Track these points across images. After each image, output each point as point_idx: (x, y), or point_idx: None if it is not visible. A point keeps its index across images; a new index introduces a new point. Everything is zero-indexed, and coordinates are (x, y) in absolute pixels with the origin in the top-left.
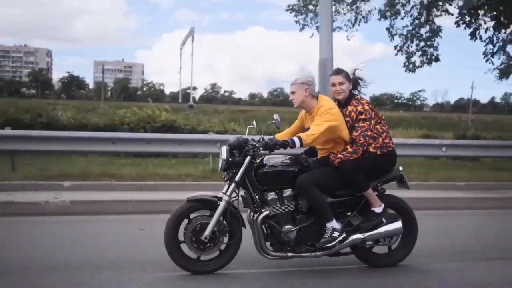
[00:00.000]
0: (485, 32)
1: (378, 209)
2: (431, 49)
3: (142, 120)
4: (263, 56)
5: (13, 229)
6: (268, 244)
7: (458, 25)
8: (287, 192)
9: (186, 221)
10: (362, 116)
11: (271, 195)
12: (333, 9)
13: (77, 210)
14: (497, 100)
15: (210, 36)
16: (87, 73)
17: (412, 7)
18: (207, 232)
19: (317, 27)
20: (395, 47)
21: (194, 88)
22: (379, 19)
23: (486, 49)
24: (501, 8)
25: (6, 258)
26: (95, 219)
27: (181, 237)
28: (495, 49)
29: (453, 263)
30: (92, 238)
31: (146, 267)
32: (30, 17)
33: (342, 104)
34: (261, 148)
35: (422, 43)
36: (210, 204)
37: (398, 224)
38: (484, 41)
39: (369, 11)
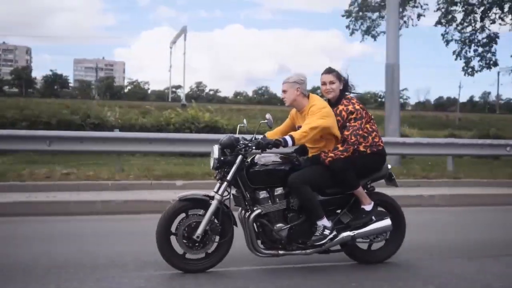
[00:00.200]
0: None
1: (368, 207)
2: (489, 55)
3: (186, 120)
4: (242, 54)
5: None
6: (259, 242)
7: None
8: (279, 190)
9: (183, 215)
10: (353, 116)
11: (263, 194)
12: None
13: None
14: (476, 99)
15: (189, 34)
16: (65, 71)
17: (468, 14)
18: (199, 231)
19: (365, 32)
20: (454, 52)
21: (180, 87)
22: (435, 25)
23: None
24: None
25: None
26: None
27: (174, 229)
28: None
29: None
30: None
31: (141, 265)
32: (3, 14)
33: (333, 104)
34: (254, 147)
35: (480, 49)
36: (202, 203)
37: (387, 222)
38: None
39: (409, 17)
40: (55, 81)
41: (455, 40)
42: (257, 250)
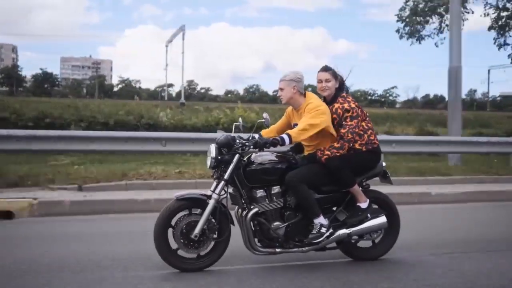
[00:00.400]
0: None
1: (364, 204)
2: None
3: (235, 120)
4: (228, 52)
5: None
6: (256, 240)
7: None
8: (276, 189)
9: (173, 223)
10: (349, 114)
11: (260, 193)
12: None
13: None
14: (462, 96)
15: (173, 32)
16: (51, 70)
17: None
18: (197, 230)
19: (418, 37)
20: (509, 55)
21: (171, 85)
22: (488, 30)
23: None
24: None
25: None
26: None
27: (172, 241)
28: None
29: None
30: None
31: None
32: None
33: (328, 102)
34: (251, 146)
35: None
36: (199, 203)
37: (382, 219)
38: None
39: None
40: (44, 80)
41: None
42: (254, 249)
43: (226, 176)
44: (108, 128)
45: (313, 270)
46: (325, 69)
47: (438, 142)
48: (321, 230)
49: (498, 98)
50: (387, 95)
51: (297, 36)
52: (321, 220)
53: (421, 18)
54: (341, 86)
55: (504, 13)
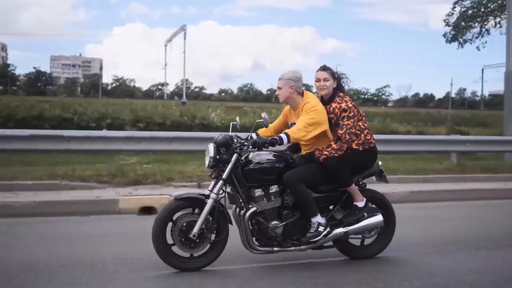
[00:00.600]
0: None
1: (361, 203)
2: None
3: None
4: (217, 51)
5: None
6: (254, 239)
7: None
8: (274, 188)
9: (170, 224)
10: (346, 113)
11: (258, 192)
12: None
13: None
14: (452, 95)
15: (162, 30)
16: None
17: None
18: (195, 230)
19: (462, 41)
20: None
21: (167, 84)
22: None
23: None
24: None
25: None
26: None
27: (170, 239)
28: None
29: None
30: None
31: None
32: None
33: (326, 101)
34: (250, 146)
35: None
36: (197, 202)
37: (379, 218)
38: None
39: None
40: (37, 79)
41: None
42: (252, 247)
43: (224, 175)
44: (165, 128)
45: (311, 268)
46: (324, 68)
47: (502, 142)
48: (319, 229)
49: (488, 97)
50: (380, 94)
51: (285, 35)
52: (319, 219)
53: (469, 23)
54: (339, 86)
55: None
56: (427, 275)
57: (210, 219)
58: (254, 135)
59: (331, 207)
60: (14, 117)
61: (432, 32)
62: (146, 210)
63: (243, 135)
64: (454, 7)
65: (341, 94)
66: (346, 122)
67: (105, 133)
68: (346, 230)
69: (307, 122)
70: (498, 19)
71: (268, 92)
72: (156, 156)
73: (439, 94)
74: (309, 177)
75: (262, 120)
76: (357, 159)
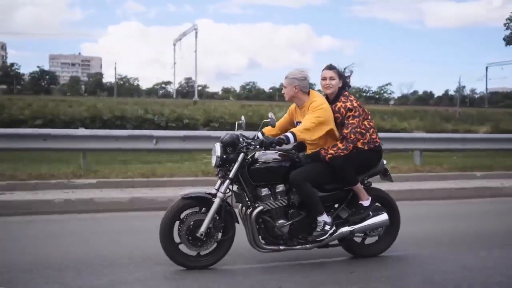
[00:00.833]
0: None
1: (366, 202)
2: None
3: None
4: (212, 49)
5: None
6: (260, 238)
7: None
8: (280, 187)
9: (177, 222)
10: (351, 113)
11: (265, 191)
12: None
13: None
14: (451, 92)
15: (157, 29)
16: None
17: None
18: (203, 228)
19: None
20: None
21: (169, 83)
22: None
23: None
24: None
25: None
26: None
27: (177, 238)
28: None
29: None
30: None
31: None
32: None
33: (331, 101)
34: (257, 146)
35: None
36: (204, 201)
37: (384, 216)
38: None
39: None
40: (42, 78)
41: None
42: (258, 246)
43: (231, 175)
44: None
45: (317, 267)
46: (330, 67)
47: None
48: (325, 228)
49: (487, 94)
50: (382, 91)
51: (281, 33)
52: (325, 218)
53: None
54: (344, 85)
55: None
56: (432, 272)
57: (217, 218)
58: (260, 135)
59: (336, 205)
60: (101, 118)
61: (428, 30)
62: None
63: (248, 134)
64: None
65: (346, 93)
66: (351, 122)
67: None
68: (351, 229)
69: (313, 121)
70: None
71: (271, 90)
72: None
73: (437, 92)
74: (315, 176)
75: (269, 120)
76: (363, 158)
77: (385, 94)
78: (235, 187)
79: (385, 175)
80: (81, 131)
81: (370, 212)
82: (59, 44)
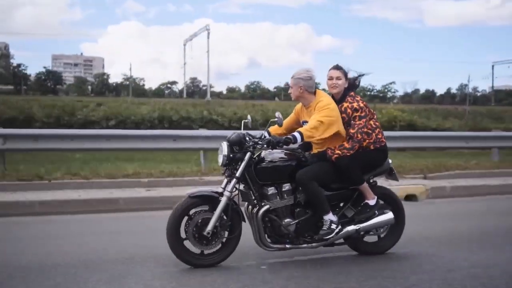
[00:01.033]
0: None
1: (372, 201)
2: None
3: (393, 119)
4: (212, 48)
5: None
6: (266, 236)
7: None
8: (286, 186)
9: (186, 218)
10: (358, 113)
11: (271, 190)
12: None
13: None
14: (453, 91)
15: (157, 28)
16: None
17: None
18: (209, 227)
19: None
20: None
21: (175, 83)
22: None
23: None
24: None
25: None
26: None
27: (183, 234)
28: None
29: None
30: None
31: (150, 261)
32: None
33: (337, 101)
34: (264, 145)
35: None
36: (211, 200)
37: (389, 215)
38: None
39: None
40: (48, 78)
41: None
42: (265, 245)
43: (237, 173)
44: None
45: (321, 265)
46: (337, 67)
47: None
48: (332, 227)
49: (490, 92)
50: (386, 90)
51: (280, 32)
52: (331, 216)
53: None
54: (350, 86)
55: None
56: (438, 270)
57: (224, 216)
58: (266, 134)
59: (341, 204)
60: (170, 119)
61: (428, 29)
62: (409, 198)
63: (254, 132)
64: None
65: (352, 93)
66: (358, 122)
67: None
68: (357, 228)
69: (320, 121)
70: None
71: (275, 89)
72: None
73: (439, 90)
74: (321, 176)
75: (276, 119)
76: (369, 158)
77: (389, 93)
78: (241, 186)
79: (391, 175)
80: (201, 132)
81: (376, 211)
82: (59, 44)
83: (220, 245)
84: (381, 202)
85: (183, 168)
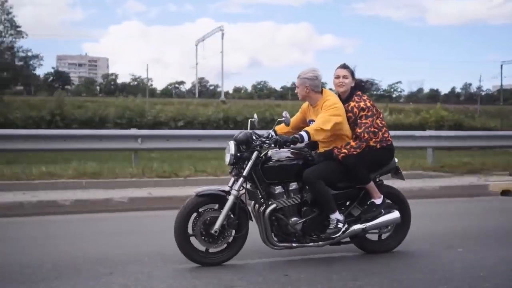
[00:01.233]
0: None
1: (378, 200)
2: None
3: (440, 119)
4: (212, 48)
5: None
6: (273, 235)
7: None
8: (293, 185)
9: (195, 214)
10: (364, 112)
11: (278, 189)
12: None
13: None
14: (458, 90)
15: (158, 28)
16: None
17: None
18: (217, 226)
19: None
20: None
21: (183, 83)
22: None
23: None
24: None
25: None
26: None
27: (190, 230)
28: None
29: None
30: None
31: (157, 260)
32: None
33: (343, 100)
34: (272, 145)
35: None
36: (218, 199)
37: (396, 214)
38: None
39: None
40: (56, 79)
41: None
42: (271, 243)
43: (245, 172)
44: None
45: (329, 263)
46: (344, 66)
47: None
48: (338, 226)
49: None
50: (392, 90)
51: (282, 32)
52: (337, 215)
53: None
54: (357, 86)
55: None
56: (443, 269)
57: (231, 215)
58: (273, 133)
59: (347, 203)
60: (234, 119)
61: (430, 27)
62: (505, 193)
63: (260, 132)
64: None
65: (359, 92)
66: (364, 121)
67: None
68: (364, 227)
69: (327, 120)
70: None
71: (281, 89)
72: None
73: (442, 89)
74: (328, 175)
75: (283, 118)
76: (375, 157)
77: (395, 92)
78: (248, 185)
79: (397, 173)
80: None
81: (382, 210)
82: (60, 44)
83: (225, 245)
84: (388, 201)
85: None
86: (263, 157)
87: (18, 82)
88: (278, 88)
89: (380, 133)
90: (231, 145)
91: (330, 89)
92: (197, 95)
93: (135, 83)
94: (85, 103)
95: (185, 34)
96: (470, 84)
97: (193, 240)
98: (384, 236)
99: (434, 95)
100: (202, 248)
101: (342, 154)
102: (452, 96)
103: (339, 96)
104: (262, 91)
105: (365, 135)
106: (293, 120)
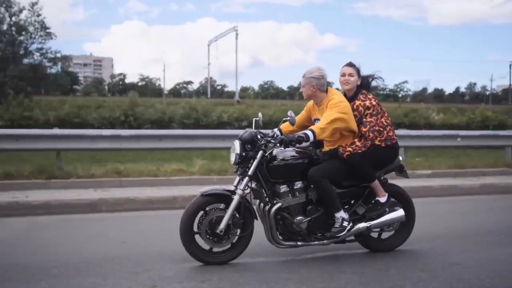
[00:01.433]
0: None
1: (383, 198)
2: None
3: (486, 119)
4: (213, 47)
5: None
6: (278, 233)
7: None
8: (298, 184)
9: (201, 212)
10: (370, 111)
11: (283, 188)
12: None
13: None
14: (462, 89)
15: (160, 28)
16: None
17: None
18: (222, 225)
19: None
20: None
21: (191, 83)
22: None
23: None
24: None
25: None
26: None
27: (195, 228)
28: None
29: None
30: None
31: (163, 259)
32: None
33: (349, 98)
34: (277, 144)
35: None
36: (223, 198)
37: (400, 212)
38: None
39: None
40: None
41: None
42: (276, 242)
43: (250, 172)
44: None
45: (334, 261)
46: (350, 64)
47: None
48: (343, 224)
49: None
50: (398, 89)
51: (283, 31)
52: (342, 214)
53: None
54: (362, 84)
55: None
56: (447, 267)
57: (237, 214)
58: (278, 132)
59: (352, 201)
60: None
61: (430, 27)
62: None
63: (265, 131)
64: None
65: (364, 91)
66: (369, 120)
67: None
68: (368, 225)
69: (332, 118)
70: None
71: (288, 89)
72: None
73: (446, 89)
74: (333, 173)
75: (288, 118)
76: (380, 155)
77: (401, 92)
78: (253, 184)
79: (401, 172)
80: None
81: (387, 208)
82: (61, 44)
83: (227, 247)
84: (392, 199)
85: None
86: (268, 156)
87: (49, 83)
88: (284, 87)
89: (385, 131)
90: (236, 144)
91: (337, 88)
92: (209, 95)
93: (143, 83)
94: (146, 103)
95: (186, 33)
96: (475, 84)
97: (198, 238)
98: (387, 234)
99: (439, 95)
100: (206, 247)
101: (347, 153)
102: (457, 96)
103: (345, 94)
104: (269, 91)
105: (370, 134)
106: (298, 118)
